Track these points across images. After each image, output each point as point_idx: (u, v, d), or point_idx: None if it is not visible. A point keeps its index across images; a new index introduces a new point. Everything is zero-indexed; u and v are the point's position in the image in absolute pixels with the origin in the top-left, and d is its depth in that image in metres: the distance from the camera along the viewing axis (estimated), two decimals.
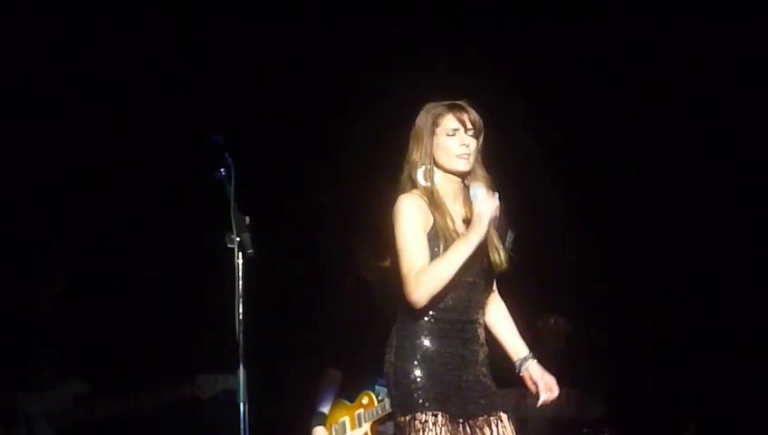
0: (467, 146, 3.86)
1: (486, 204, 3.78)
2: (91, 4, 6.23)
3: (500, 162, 3.94)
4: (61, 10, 6.17)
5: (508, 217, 3.90)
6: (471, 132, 3.88)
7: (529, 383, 3.99)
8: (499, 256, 3.88)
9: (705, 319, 6.90)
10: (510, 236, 3.82)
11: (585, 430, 6.47)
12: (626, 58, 6.68)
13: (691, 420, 6.88)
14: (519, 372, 4.01)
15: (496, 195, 3.81)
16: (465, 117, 3.88)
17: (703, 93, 6.71)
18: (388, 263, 4.00)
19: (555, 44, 6.60)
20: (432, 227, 3.80)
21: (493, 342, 4.01)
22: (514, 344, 4.04)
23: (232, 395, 5.10)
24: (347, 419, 5.49)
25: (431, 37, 6.46)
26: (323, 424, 5.46)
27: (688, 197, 6.90)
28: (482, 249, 3.82)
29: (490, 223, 3.77)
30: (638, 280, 6.92)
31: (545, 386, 3.97)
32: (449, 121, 3.87)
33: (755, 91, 6.63)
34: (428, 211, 3.82)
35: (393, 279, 3.90)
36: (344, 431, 5.46)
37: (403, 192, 3.86)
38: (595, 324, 6.79)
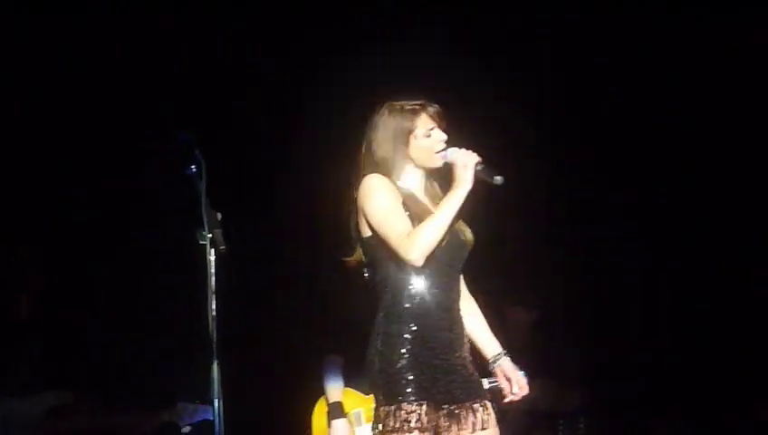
0: (444, 141, 3.89)
1: (468, 155, 3.81)
2: (67, 7, 6.21)
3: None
4: (36, 10, 6.14)
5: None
6: (443, 125, 3.92)
7: (502, 379, 4.02)
8: (468, 232, 3.93)
9: (683, 305, 6.93)
10: (499, 177, 3.80)
11: (561, 422, 6.49)
12: (615, 53, 6.71)
13: (669, 411, 6.91)
14: (492, 368, 4.04)
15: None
16: (437, 114, 3.92)
17: (690, 87, 6.75)
18: (352, 257, 3.99)
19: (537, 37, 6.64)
20: (403, 205, 3.83)
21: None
22: (488, 341, 4.06)
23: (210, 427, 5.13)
24: (362, 410, 5.44)
25: (391, 29, 6.48)
26: (343, 416, 5.42)
27: (667, 183, 6.93)
28: (455, 225, 3.85)
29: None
30: (614, 267, 6.94)
31: (517, 382, 4.00)
32: (424, 122, 3.90)
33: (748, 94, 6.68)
34: (396, 190, 3.85)
35: (370, 267, 3.91)
36: (360, 422, 5.41)
37: (368, 174, 3.88)
38: (569, 314, 6.81)
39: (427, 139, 3.89)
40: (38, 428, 5.28)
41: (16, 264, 5.44)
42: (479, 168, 3.79)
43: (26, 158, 6.26)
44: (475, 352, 4.03)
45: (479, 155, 3.83)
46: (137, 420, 5.40)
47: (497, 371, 4.02)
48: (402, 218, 3.78)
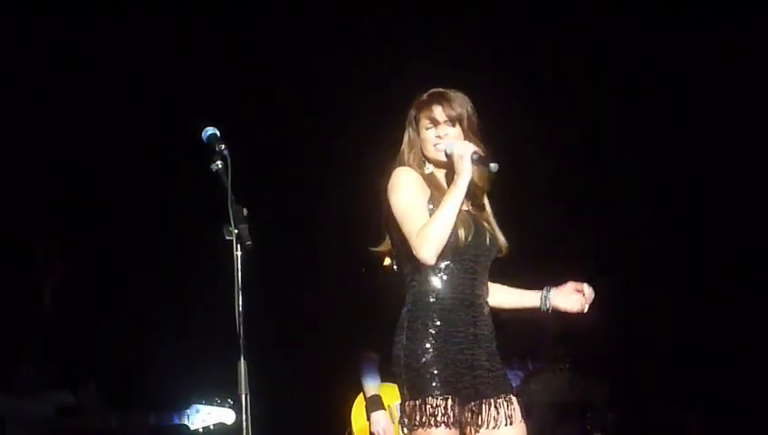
0: (443, 135, 3.88)
1: (464, 146, 3.80)
2: (78, 4, 6.21)
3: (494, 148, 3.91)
4: (50, 10, 6.14)
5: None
6: (448, 122, 3.89)
7: (565, 306, 4.00)
8: (500, 236, 3.93)
9: (713, 300, 6.88)
10: (494, 165, 3.79)
11: (589, 415, 6.46)
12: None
13: (698, 403, 6.87)
14: (548, 307, 4.02)
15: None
16: (442, 107, 3.90)
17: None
18: (381, 247, 3.99)
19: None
20: (430, 200, 3.83)
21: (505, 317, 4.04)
22: (525, 295, 4.06)
23: (223, 431, 5.09)
24: (399, 403, 5.45)
25: (426, 27, 6.46)
26: (383, 408, 5.42)
27: (695, 175, 6.89)
28: (483, 224, 3.87)
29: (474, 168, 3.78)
30: (643, 261, 6.91)
31: (576, 292, 4.00)
32: (428, 113, 3.90)
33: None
34: (425, 185, 3.85)
35: (397, 258, 3.92)
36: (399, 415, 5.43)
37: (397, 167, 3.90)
38: (599, 307, 6.77)
39: (427, 130, 3.91)
40: (40, 428, 5.26)
41: (36, 259, 5.42)
42: (475, 157, 3.78)
43: (47, 151, 6.27)
44: (526, 312, 4.05)
45: (476, 145, 3.83)
46: (140, 420, 5.38)
47: (555, 304, 4.00)
48: (421, 215, 3.79)
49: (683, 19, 6.60)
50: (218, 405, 5.33)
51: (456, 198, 3.76)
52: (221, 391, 5.20)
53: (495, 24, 6.52)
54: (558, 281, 4.05)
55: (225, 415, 5.32)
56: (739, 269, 6.89)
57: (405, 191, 3.83)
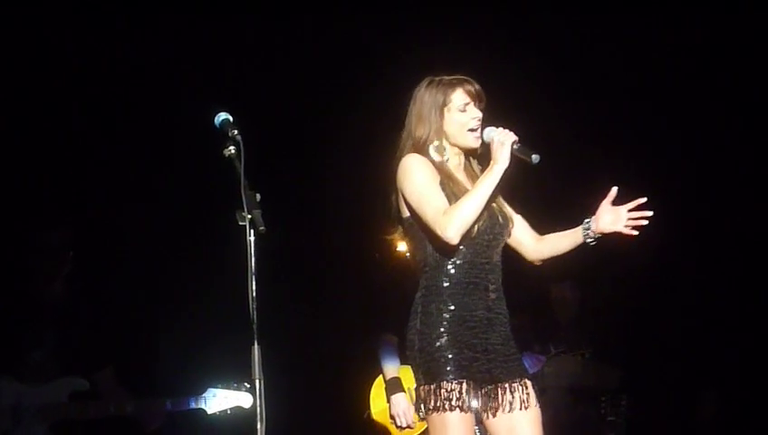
0: (478, 119, 3.85)
1: (504, 134, 3.78)
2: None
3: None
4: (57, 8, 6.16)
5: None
6: (480, 105, 3.88)
7: (613, 227, 3.87)
8: (509, 210, 3.92)
9: (726, 285, 6.87)
10: (536, 156, 3.76)
11: (603, 399, 6.46)
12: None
13: (709, 389, 6.87)
14: (593, 237, 3.91)
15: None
16: (474, 90, 3.89)
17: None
18: (391, 235, 3.99)
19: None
20: (440, 184, 3.81)
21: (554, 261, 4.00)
22: (568, 235, 3.97)
23: (241, 414, 5.07)
24: None
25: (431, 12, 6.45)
26: (402, 390, 5.43)
27: (714, 162, 6.87)
28: (494, 206, 3.85)
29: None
30: (656, 247, 6.88)
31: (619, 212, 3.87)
32: (460, 96, 3.88)
33: None
34: (435, 171, 3.83)
35: (410, 244, 3.91)
36: None
37: (407, 154, 3.87)
38: (611, 292, 6.77)
39: (460, 113, 3.88)
40: (54, 415, 5.26)
41: (50, 247, 5.43)
42: (516, 146, 3.77)
43: (61, 141, 6.28)
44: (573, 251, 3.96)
45: (515, 135, 3.80)
46: (155, 406, 5.37)
47: (602, 229, 3.87)
48: (439, 197, 3.77)
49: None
50: (235, 389, 5.32)
51: (489, 183, 3.74)
52: (237, 375, 5.20)
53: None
54: None
55: (243, 399, 5.31)
56: (754, 255, 6.87)
57: (419, 175, 3.81)
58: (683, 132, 6.84)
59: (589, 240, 3.92)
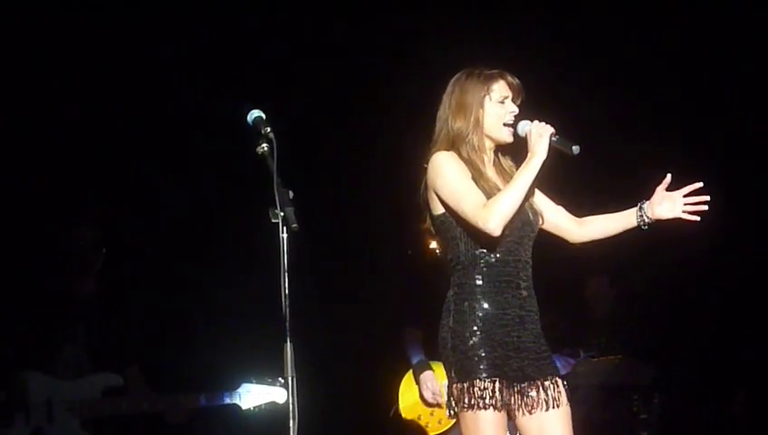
0: (514, 114, 3.84)
1: (542, 126, 3.77)
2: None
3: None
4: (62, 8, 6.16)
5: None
6: (518, 100, 3.87)
7: (671, 214, 3.89)
8: (539, 206, 3.91)
9: (758, 285, 6.81)
10: (576, 147, 3.75)
11: (635, 397, 6.44)
12: None
13: (741, 387, 6.83)
14: (648, 221, 3.92)
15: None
16: (515, 84, 3.88)
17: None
18: (426, 224, 3.98)
19: None
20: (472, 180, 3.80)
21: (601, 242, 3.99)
22: (620, 217, 3.97)
23: (275, 410, 5.07)
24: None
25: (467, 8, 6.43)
26: (430, 369, 5.42)
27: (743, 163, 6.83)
28: (524, 207, 3.82)
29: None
30: (690, 246, 6.84)
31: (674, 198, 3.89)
32: (501, 88, 3.87)
33: None
34: (466, 169, 3.82)
35: (442, 242, 3.90)
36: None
37: (437, 151, 3.85)
38: (645, 290, 6.73)
39: (499, 105, 3.86)
40: (87, 410, 5.28)
41: (82, 245, 5.45)
42: (554, 138, 3.75)
43: (89, 139, 6.30)
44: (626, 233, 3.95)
45: (552, 126, 3.78)
46: (189, 400, 5.38)
47: (658, 213, 3.89)
48: (475, 191, 3.76)
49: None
50: (269, 384, 5.33)
51: (528, 175, 3.74)
52: (271, 371, 5.20)
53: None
54: None
55: (277, 394, 5.31)
56: None
57: (451, 172, 3.80)
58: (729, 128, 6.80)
59: (643, 225, 3.93)
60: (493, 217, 3.69)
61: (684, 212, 3.89)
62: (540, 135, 3.75)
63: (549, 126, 3.78)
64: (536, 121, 3.80)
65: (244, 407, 5.34)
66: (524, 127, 3.82)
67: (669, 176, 3.90)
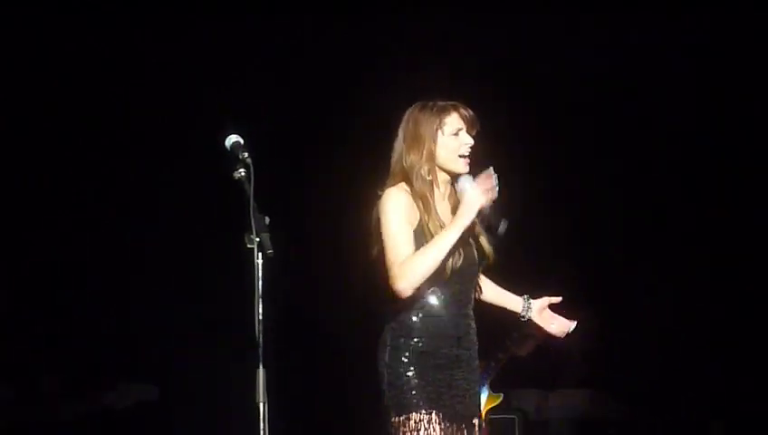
0: (470, 146, 3.84)
1: (477, 193, 3.74)
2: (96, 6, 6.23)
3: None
4: (64, 10, 6.17)
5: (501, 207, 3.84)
6: (473, 132, 3.86)
7: (547, 328, 4.07)
8: (487, 245, 3.88)
9: (733, 316, 6.83)
10: (503, 225, 3.77)
11: (610, 432, 6.44)
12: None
13: (719, 419, 6.83)
14: (527, 317, 4.06)
15: (494, 175, 3.76)
16: (469, 116, 3.86)
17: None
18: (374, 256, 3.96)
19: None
20: (418, 224, 3.78)
21: (488, 313, 4.05)
22: (509, 296, 4.10)
23: (146, 407, 5.05)
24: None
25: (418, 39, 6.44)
26: None
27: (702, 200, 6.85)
28: (470, 241, 3.82)
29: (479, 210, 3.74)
30: (660, 278, 6.87)
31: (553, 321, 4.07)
32: (455, 121, 3.84)
33: None
34: (415, 207, 3.79)
35: (382, 275, 3.83)
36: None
37: (391, 186, 3.82)
38: (619, 324, 6.75)
39: (453, 137, 3.83)
40: None
41: None
42: (486, 210, 3.76)
43: (89, 139, 6.28)
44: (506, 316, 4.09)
45: (493, 190, 3.75)
46: (69, 405, 5.37)
47: (536, 319, 4.05)
48: (405, 243, 3.73)
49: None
50: None
51: (450, 239, 3.71)
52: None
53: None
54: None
55: None
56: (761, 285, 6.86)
57: (394, 216, 3.76)
58: None
59: (523, 316, 4.07)
60: (404, 277, 3.69)
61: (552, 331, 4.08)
62: (472, 203, 3.74)
63: (485, 196, 3.74)
64: (476, 185, 3.77)
65: (117, 407, 5.35)
66: (464, 184, 3.80)
67: (559, 299, 4.06)
